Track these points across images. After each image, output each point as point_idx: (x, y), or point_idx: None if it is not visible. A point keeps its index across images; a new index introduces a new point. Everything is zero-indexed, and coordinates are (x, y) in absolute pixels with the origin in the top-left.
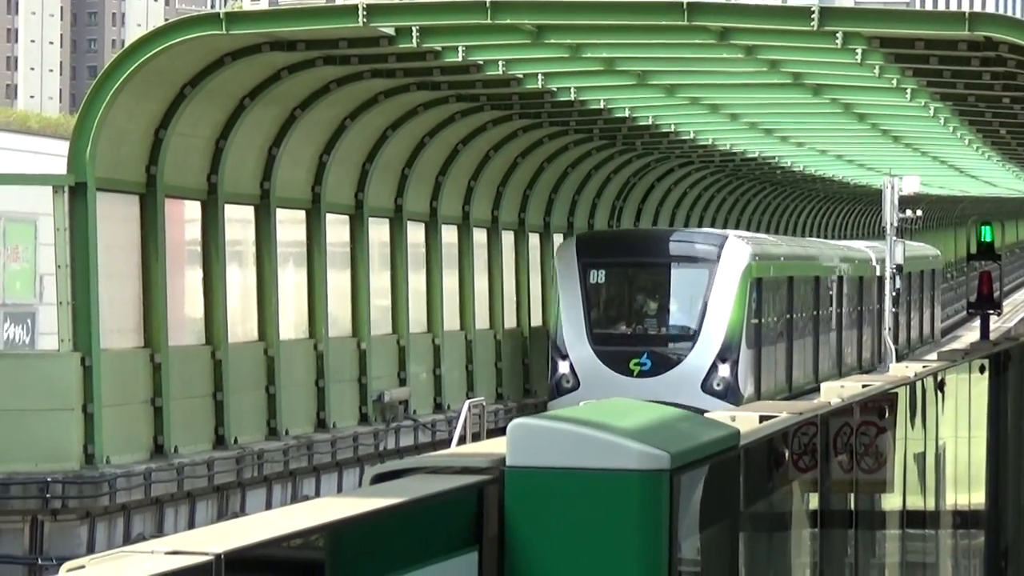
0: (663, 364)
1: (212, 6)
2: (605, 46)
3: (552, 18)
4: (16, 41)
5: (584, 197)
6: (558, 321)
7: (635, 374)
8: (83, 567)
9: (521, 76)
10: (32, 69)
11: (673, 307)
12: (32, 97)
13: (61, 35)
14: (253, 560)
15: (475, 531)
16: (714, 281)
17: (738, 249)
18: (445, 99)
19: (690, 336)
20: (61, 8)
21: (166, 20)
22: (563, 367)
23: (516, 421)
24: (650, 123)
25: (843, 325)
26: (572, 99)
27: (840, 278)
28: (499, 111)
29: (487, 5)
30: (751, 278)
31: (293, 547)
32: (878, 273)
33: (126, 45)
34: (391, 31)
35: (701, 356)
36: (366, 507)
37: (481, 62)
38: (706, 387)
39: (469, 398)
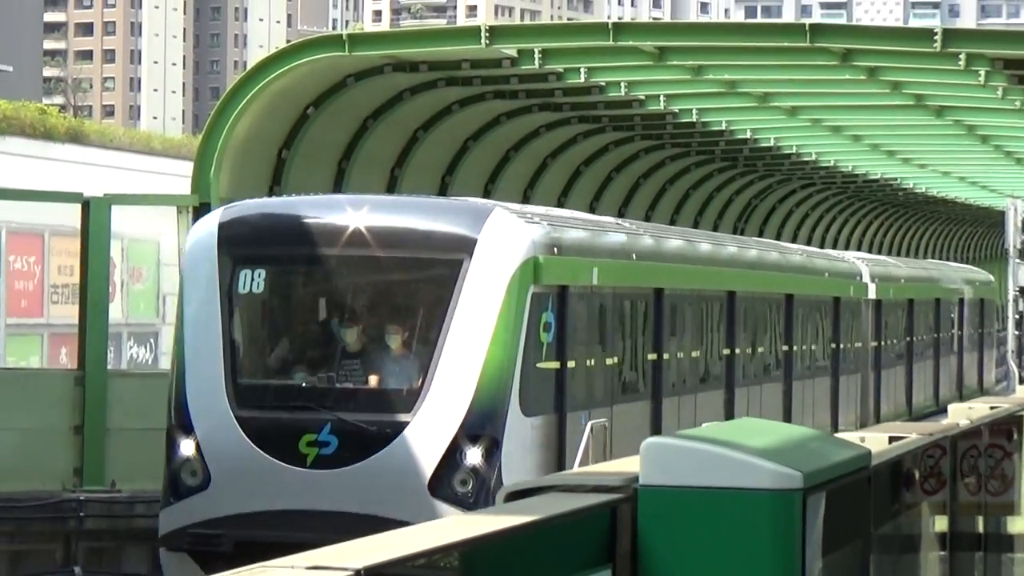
0: (360, 446)
1: (333, 27)
2: (727, 67)
3: (674, 40)
4: (139, 62)
5: (706, 219)
6: (179, 365)
7: (310, 462)
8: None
9: (643, 97)
10: (155, 90)
11: (385, 340)
12: (155, 118)
13: (184, 56)
14: (393, 574)
15: (608, 549)
16: (462, 291)
17: (509, 235)
18: (567, 120)
19: (412, 393)
20: (184, 29)
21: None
22: (185, 448)
23: (649, 440)
24: (772, 144)
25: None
26: (694, 120)
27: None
28: (621, 132)
29: (609, 27)
30: (531, 285)
31: (429, 563)
32: (964, 295)
33: (248, 66)
34: (513, 53)
35: (430, 431)
36: (500, 525)
37: (603, 83)
38: (440, 488)
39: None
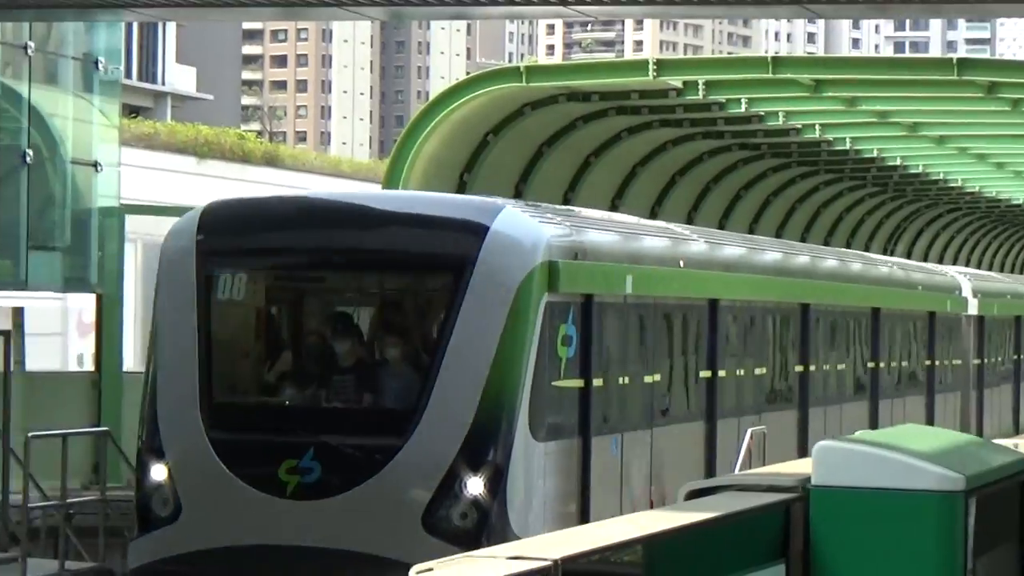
0: (346, 473)
1: (509, 60)
2: (879, 99)
3: (829, 72)
4: (330, 92)
5: (857, 241)
6: (151, 380)
7: (290, 492)
8: (431, 570)
9: (799, 126)
10: (344, 118)
11: (377, 354)
12: (344, 143)
13: (371, 87)
14: (585, 565)
15: (782, 546)
16: (464, 300)
17: (518, 236)
18: (728, 147)
19: (406, 414)
20: (371, 62)
21: (467, 73)
22: (156, 473)
23: (821, 443)
24: (920, 171)
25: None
26: (847, 148)
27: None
28: (778, 159)
29: (769, 60)
30: (545, 293)
31: (619, 555)
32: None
33: (431, 96)
34: (679, 84)
35: (425, 457)
36: (682, 521)
37: (762, 113)
38: (436, 523)
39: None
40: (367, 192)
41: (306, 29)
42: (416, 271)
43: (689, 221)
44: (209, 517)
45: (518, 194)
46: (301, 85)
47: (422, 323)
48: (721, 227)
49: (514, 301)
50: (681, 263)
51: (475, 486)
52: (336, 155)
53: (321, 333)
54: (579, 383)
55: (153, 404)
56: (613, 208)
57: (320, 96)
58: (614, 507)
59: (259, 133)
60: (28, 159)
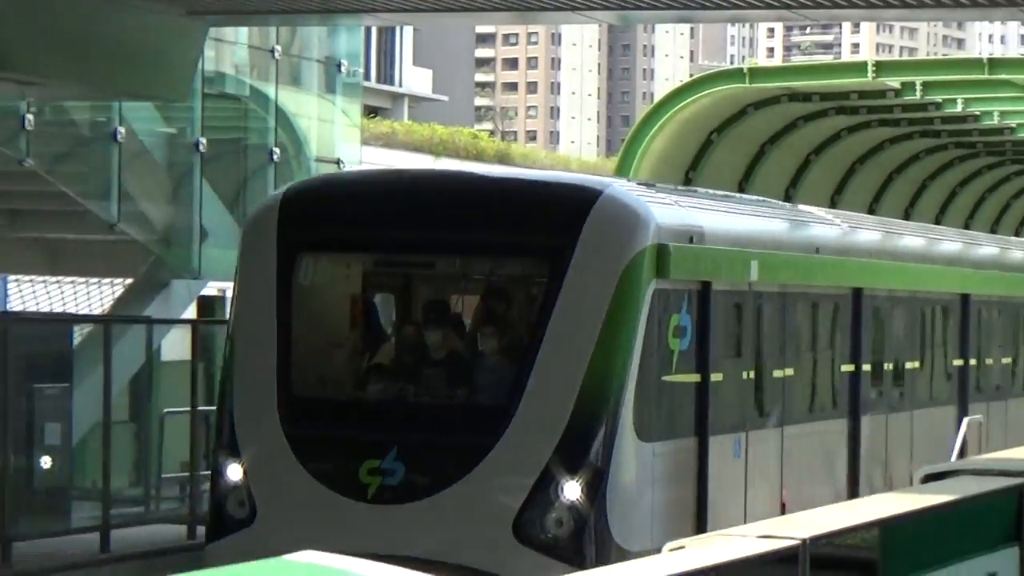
0: (431, 476)
1: (731, 62)
2: None
3: None
4: (559, 93)
5: None
6: (227, 372)
7: (371, 495)
8: (683, 547)
9: (1014, 126)
10: (572, 118)
11: (466, 343)
12: (572, 142)
13: (598, 88)
14: (829, 545)
15: (1015, 529)
16: (563, 287)
17: (622, 218)
18: (944, 146)
19: (498, 411)
20: (598, 64)
21: (690, 75)
22: (231, 473)
23: None
24: None
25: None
26: None
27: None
28: (993, 157)
29: (985, 62)
30: (653, 280)
31: (859, 535)
32: None
33: (657, 96)
34: (897, 85)
35: (518, 458)
36: (920, 503)
37: (978, 113)
38: (528, 531)
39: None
40: (464, 171)
41: (536, 33)
42: (511, 255)
43: (906, 218)
44: (284, 521)
45: (741, 190)
46: (531, 87)
47: (517, 312)
48: (937, 223)
49: (617, 288)
50: (818, 249)
51: (572, 491)
52: (565, 153)
53: (408, 322)
54: (694, 378)
55: (229, 397)
56: (832, 205)
57: (549, 97)
58: (735, 514)
59: (491, 132)
60: (275, 157)
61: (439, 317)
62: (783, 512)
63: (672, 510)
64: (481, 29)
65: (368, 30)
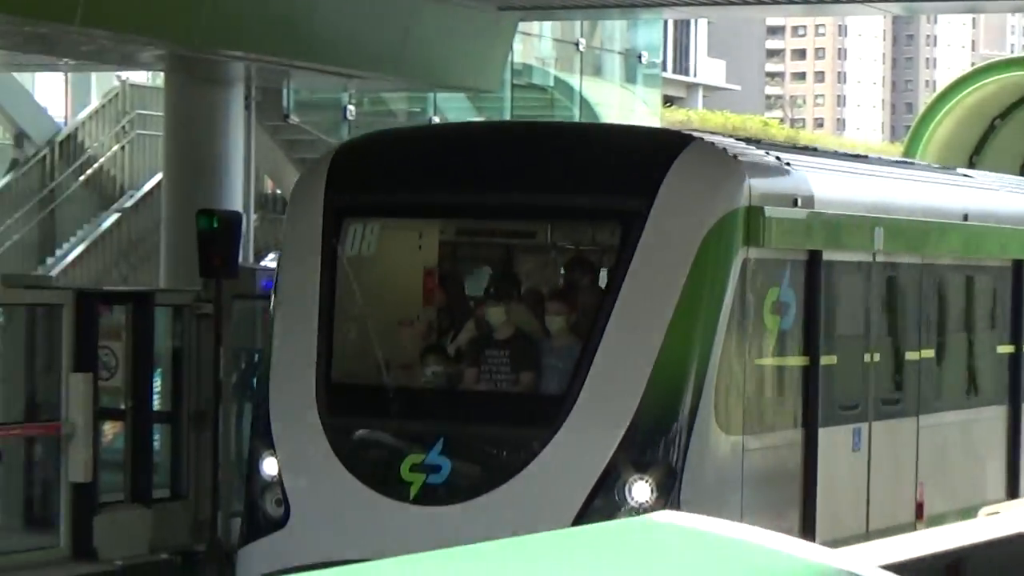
0: (479, 473)
1: (1011, 51)
2: None
3: None
4: (845, 82)
5: None
6: (267, 353)
7: (413, 495)
8: (997, 512)
9: None
10: (858, 105)
11: (521, 321)
12: (858, 129)
13: (883, 76)
14: None
15: None
16: (635, 255)
17: (707, 175)
18: None
19: (558, 400)
20: (883, 54)
21: (971, 64)
22: (267, 468)
23: None
24: None
25: None
26: None
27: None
28: None
29: None
30: (743, 247)
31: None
32: None
33: (939, 86)
34: None
35: (579, 453)
36: None
37: None
38: None
39: None
40: (527, 123)
41: (823, 24)
42: (577, 219)
43: None
44: (322, 523)
45: (1022, 174)
46: (819, 76)
47: (584, 285)
48: None
49: (697, 256)
50: (966, 216)
51: (641, 491)
52: (851, 140)
53: (456, 298)
54: (800, 361)
55: (265, 383)
56: None
57: (836, 86)
58: (855, 516)
59: (781, 120)
60: None
61: (497, 293)
62: (920, 514)
63: (769, 512)
64: (772, 21)
65: (665, 23)
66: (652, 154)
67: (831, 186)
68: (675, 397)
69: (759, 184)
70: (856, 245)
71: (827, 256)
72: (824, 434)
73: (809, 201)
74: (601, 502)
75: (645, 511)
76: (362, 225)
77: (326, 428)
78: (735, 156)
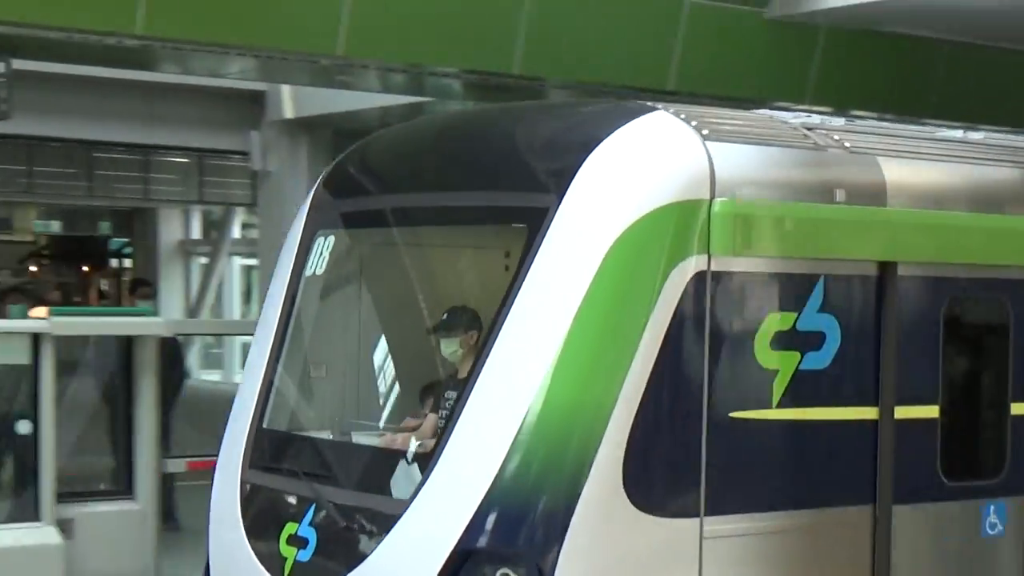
0: (339, 550)
1: None
2: None
3: None
4: None
5: None
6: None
7: (287, 572)
8: None
9: None
10: None
11: (403, 355)
12: None
13: None
14: None
15: None
16: (530, 268)
17: (643, 160)
18: None
19: (422, 459)
20: None
21: None
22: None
23: None
24: None
25: None
26: None
27: None
28: None
29: None
30: (688, 255)
31: None
32: None
33: None
34: None
35: (430, 531)
36: None
37: None
38: None
39: None
40: (464, 112)
41: None
42: (478, 225)
43: None
44: None
45: None
46: None
47: (476, 311)
48: None
49: (599, 272)
50: None
51: None
52: None
53: (356, 324)
54: (862, 413)
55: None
56: None
57: None
58: None
59: None
60: None
61: (404, 318)
62: None
63: None
64: None
65: None
66: (580, 136)
67: (906, 174)
68: (553, 458)
69: (741, 169)
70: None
71: (901, 270)
72: (903, 514)
73: (875, 194)
74: None
75: None
76: (323, 238)
77: (242, 484)
78: (699, 130)
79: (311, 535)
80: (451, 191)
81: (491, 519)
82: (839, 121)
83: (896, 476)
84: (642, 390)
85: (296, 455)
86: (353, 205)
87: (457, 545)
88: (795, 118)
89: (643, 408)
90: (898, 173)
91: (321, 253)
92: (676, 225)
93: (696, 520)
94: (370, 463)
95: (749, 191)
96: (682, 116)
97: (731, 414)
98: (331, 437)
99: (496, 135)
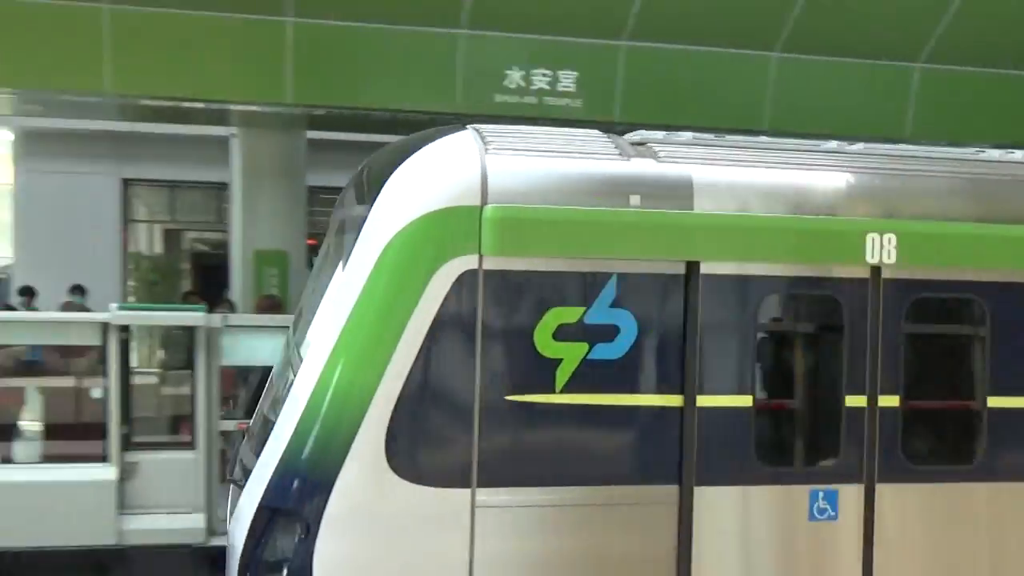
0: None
1: None
2: None
3: None
4: None
5: None
6: None
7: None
8: None
9: None
10: None
11: None
12: None
13: None
14: None
15: None
16: (336, 277)
17: (424, 171)
18: None
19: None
20: None
21: None
22: None
23: None
24: None
25: None
26: None
27: None
28: None
29: None
30: (450, 255)
31: None
32: None
33: None
34: None
35: (249, 501)
36: None
37: None
38: None
39: None
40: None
41: None
42: (342, 234)
43: None
44: None
45: None
46: None
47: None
48: None
49: (374, 270)
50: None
51: (283, 544)
52: None
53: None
54: (665, 400)
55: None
56: None
57: None
58: None
59: None
60: None
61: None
62: None
63: None
64: None
65: None
66: (399, 156)
67: (718, 181)
68: (324, 433)
69: (518, 179)
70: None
71: (704, 268)
72: (708, 495)
73: (680, 198)
74: (259, 551)
75: (277, 568)
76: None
77: None
78: (487, 146)
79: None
80: (347, 208)
81: (281, 483)
82: (687, 136)
83: (702, 460)
84: (406, 375)
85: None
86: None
87: (260, 502)
88: (637, 135)
89: (407, 390)
90: (709, 180)
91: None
92: (445, 228)
93: (468, 491)
94: (242, 443)
95: (526, 198)
96: (484, 134)
97: (507, 397)
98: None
99: (376, 160)
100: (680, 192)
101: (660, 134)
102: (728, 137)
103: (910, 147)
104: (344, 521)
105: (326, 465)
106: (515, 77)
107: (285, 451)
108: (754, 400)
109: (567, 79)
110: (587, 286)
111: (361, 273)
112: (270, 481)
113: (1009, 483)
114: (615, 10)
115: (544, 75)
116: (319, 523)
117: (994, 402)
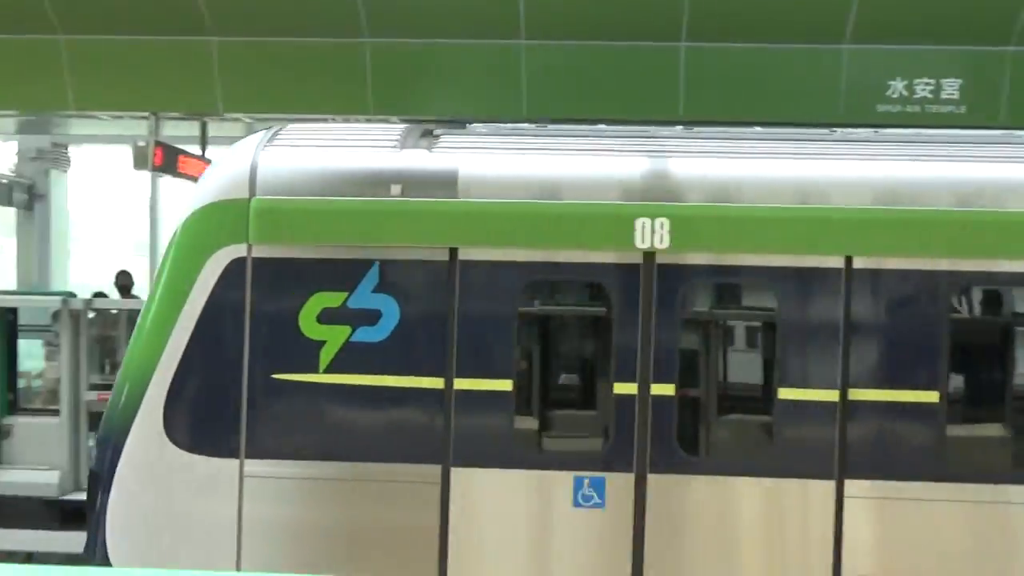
0: None
1: None
2: None
3: None
4: None
5: None
6: None
7: None
8: None
9: None
10: None
11: None
12: None
13: None
14: None
15: None
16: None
17: (213, 170)
18: None
19: None
20: None
21: None
22: None
23: None
24: None
25: None
26: None
27: None
28: None
29: None
30: (237, 244)
31: None
32: None
33: None
34: None
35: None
36: None
37: None
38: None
39: None
40: None
41: None
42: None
43: None
44: None
45: None
46: None
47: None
48: None
49: (164, 258)
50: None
51: (95, 504)
52: None
53: None
54: (427, 382)
55: None
56: None
57: None
58: None
59: None
60: None
61: None
62: None
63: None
64: None
65: None
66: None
67: (487, 170)
68: (120, 409)
69: (288, 174)
70: (496, 239)
71: (463, 255)
72: (459, 475)
73: (445, 187)
74: (88, 508)
75: (94, 523)
76: None
77: None
78: (266, 142)
79: None
80: None
81: (97, 449)
82: (483, 128)
83: (460, 441)
84: (179, 356)
85: None
86: None
87: (91, 466)
88: (440, 129)
89: (183, 368)
90: (475, 170)
91: None
92: (216, 220)
93: (237, 461)
94: None
95: (292, 190)
96: (278, 132)
97: (273, 375)
98: None
99: None
100: (445, 182)
101: (484, 126)
102: (524, 126)
103: (737, 129)
104: (128, 481)
105: (119, 432)
106: (898, 87)
107: (102, 421)
108: (515, 385)
109: (950, 87)
110: (350, 272)
111: (160, 266)
112: (95, 448)
113: (788, 478)
114: (998, 18)
115: (927, 84)
116: (111, 483)
117: (779, 393)
